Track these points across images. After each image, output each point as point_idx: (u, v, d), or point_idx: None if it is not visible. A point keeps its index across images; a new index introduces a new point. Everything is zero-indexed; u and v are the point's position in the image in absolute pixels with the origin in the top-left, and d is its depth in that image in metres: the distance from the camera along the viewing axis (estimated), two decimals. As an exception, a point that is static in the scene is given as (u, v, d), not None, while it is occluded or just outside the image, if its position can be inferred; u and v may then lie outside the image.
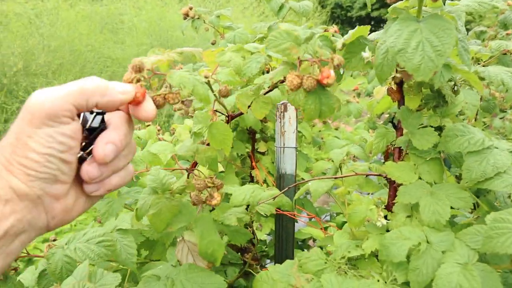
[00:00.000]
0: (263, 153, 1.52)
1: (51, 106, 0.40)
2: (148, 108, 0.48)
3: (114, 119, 0.46)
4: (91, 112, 0.44)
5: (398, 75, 0.72)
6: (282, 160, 1.16)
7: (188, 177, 0.80)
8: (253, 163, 1.45)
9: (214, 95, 0.82)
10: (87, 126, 0.44)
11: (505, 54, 1.11)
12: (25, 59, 4.12)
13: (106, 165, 0.45)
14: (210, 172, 0.84)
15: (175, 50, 0.72)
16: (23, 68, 4.06)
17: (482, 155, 0.70)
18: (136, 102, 0.47)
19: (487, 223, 0.59)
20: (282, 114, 1.14)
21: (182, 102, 0.67)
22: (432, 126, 0.79)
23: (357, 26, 0.71)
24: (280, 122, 1.14)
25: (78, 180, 0.45)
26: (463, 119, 1.28)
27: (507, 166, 0.69)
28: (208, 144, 0.84)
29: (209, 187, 0.74)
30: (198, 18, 1.59)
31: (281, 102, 1.13)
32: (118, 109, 0.47)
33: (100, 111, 0.45)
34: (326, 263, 0.73)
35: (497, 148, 0.72)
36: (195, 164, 0.84)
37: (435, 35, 0.51)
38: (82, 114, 0.44)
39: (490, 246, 0.56)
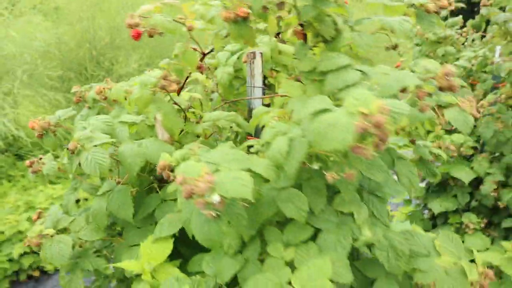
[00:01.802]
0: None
1: None
2: None
3: None
4: None
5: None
6: (251, 96, 1.47)
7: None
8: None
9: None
10: None
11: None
12: (111, 34, 4.81)
13: None
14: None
15: (161, 1, 1.16)
16: (109, 42, 4.75)
17: (338, 72, 0.96)
18: None
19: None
20: (252, 60, 1.45)
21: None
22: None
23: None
24: (250, 66, 1.45)
25: None
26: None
27: (355, 81, 0.95)
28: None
29: (168, 78, 1.12)
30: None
31: (250, 51, 1.44)
32: None
33: None
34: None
35: (357, 69, 0.97)
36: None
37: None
38: None
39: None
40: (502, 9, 2.39)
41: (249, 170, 0.80)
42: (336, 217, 0.92)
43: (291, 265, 0.85)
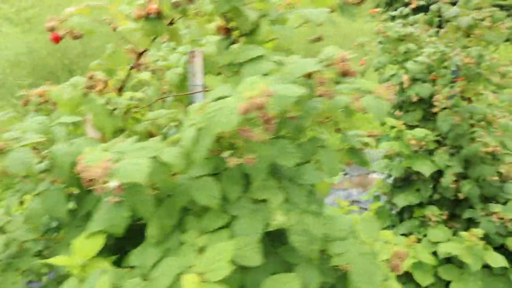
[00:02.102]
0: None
1: None
2: None
3: None
4: None
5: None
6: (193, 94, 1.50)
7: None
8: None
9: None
10: None
11: None
12: (83, 43, 4.82)
13: None
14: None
15: (86, 3, 1.18)
16: (81, 51, 4.76)
17: (253, 63, 0.99)
18: None
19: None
20: (192, 59, 1.47)
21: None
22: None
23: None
24: (191, 65, 1.48)
25: None
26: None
27: (268, 70, 0.98)
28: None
29: (94, 78, 1.14)
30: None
31: (190, 50, 1.47)
32: None
33: None
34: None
35: (271, 60, 1.00)
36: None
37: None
38: None
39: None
40: (454, 4, 2.45)
41: (155, 158, 0.82)
42: (251, 204, 0.94)
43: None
